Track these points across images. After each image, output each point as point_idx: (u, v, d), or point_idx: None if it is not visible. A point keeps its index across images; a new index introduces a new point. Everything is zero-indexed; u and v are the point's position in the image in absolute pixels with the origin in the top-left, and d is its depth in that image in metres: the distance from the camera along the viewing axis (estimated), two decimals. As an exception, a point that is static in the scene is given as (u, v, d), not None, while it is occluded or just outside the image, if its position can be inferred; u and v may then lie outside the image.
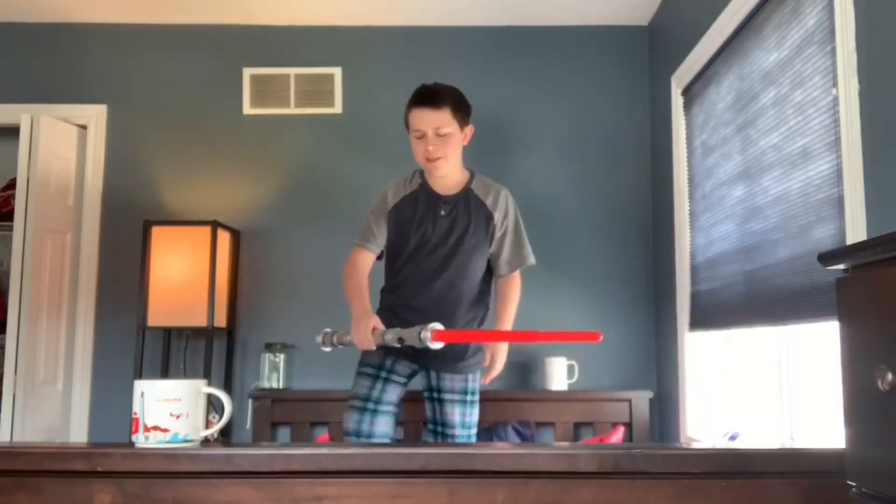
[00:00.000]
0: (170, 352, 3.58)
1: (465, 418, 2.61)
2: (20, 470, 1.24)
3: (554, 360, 3.48)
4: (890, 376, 0.94)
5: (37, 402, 3.44)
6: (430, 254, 2.55)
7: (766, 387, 2.63)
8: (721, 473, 1.25)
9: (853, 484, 1.06)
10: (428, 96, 2.48)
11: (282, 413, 3.48)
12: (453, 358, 2.57)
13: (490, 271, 2.63)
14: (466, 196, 2.57)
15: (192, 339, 3.60)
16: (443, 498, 1.23)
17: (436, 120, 2.46)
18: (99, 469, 1.23)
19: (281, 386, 3.52)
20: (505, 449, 1.26)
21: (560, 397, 3.47)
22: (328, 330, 2.61)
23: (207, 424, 1.40)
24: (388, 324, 2.47)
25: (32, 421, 3.39)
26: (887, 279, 0.97)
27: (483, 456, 1.25)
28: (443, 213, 2.55)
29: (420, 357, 2.57)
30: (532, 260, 2.64)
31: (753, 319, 2.49)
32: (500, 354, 2.67)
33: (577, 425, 3.56)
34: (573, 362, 3.56)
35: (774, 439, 2.50)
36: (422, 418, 3.48)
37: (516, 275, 2.65)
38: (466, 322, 2.58)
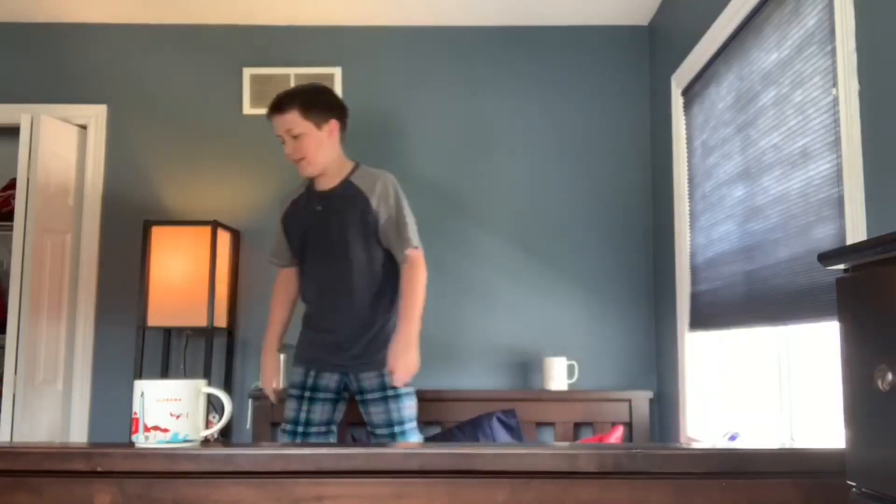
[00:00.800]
0: (170, 352, 3.58)
1: (390, 415, 2.55)
2: (20, 470, 1.24)
3: (554, 360, 3.49)
4: (890, 376, 0.94)
5: (37, 402, 3.44)
6: (315, 251, 2.61)
7: (766, 387, 2.63)
8: (721, 473, 1.25)
9: (853, 484, 1.06)
10: (273, 104, 2.57)
11: (282, 413, 3.47)
12: (362, 354, 2.55)
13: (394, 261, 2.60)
14: (344, 189, 2.58)
15: (192, 339, 3.61)
16: (443, 498, 1.23)
17: (284, 123, 2.54)
18: (99, 469, 1.23)
19: (281, 386, 3.52)
20: (505, 449, 1.27)
21: (560, 397, 3.47)
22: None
23: (207, 424, 1.40)
24: (304, 330, 2.64)
25: (32, 421, 3.39)
26: (887, 279, 0.97)
27: (483, 456, 1.25)
28: (319, 208, 2.60)
29: (336, 363, 2.56)
30: (414, 243, 2.56)
31: (753, 319, 2.49)
32: (399, 356, 2.51)
33: (577, 425, 3.56)
34: (573, 362, 3.56)
35: (774, 439, 2.50)
36: (424, 418, 3.49)
37: (413, 263, 2.56)
38: (370, 316, 2.55)
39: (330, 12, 3.69)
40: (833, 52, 1.93)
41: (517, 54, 3.80)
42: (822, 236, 1.99)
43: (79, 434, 3.58)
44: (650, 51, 3.78)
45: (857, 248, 1.03)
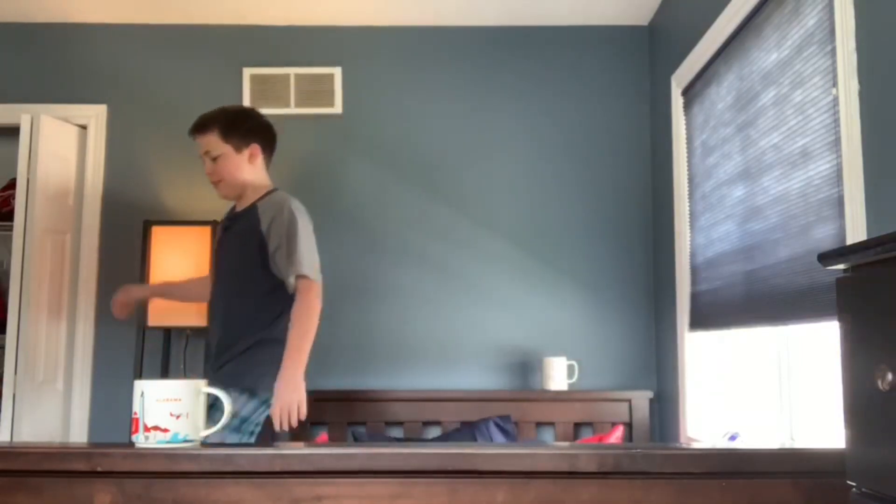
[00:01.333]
0: (170, 352, 3.58)
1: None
2: (20, 470, 1.24)
3: (554, 360, 3.49)
4: (890, 376, 0.94)
5: (37, 402, 3.44)
6: (214, 274, 2.64)
7: (766, 387, 2.63)
8: (721, 473, 1.25)
9: (853, 484, 1.06)
10: (195, 125, 2.57)
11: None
12: (219, 372, 2.41)
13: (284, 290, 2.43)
14: (247, 213, 2.52)
15: (192, 339, 3.60)
16: (443, 498, 1.23)
17: (204, 144, 2.54)
18: (99, 469, 1.23)
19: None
20: (505, 449, 1.27)
21: (560, 397, 3.47)
22: None
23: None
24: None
25: (32, 421, 3.39)
26: (887, 279, 0.97)
27: (483, 456, 1.25)
28: (225, 228, 2.61)
29: (210, 375, 2.45)
30: (302, 271, 2.37)
31: (753, 319, 2.49)
32: (278, 396, 2.30)
33: (577, 425, 3.56)
34: (573, 362, 3.56)
35: (774, 439, 2.50)
36: (423, 418, 3.49)
37: (300, 293, 2.38)
38: (249, 343, 2.40)
39: (330, 12, 3.69)
40: (833, 52, 1.93)
41: (517, 54, 3.80)
42: (822, 236, 1.99)
43: (79, 434, 3.58)
44: (650, 51, 3.78)
45: (857, 248, 1.03)
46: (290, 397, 2.29)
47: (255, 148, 2.56)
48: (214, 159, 2.52)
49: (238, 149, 2.53)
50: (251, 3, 3.60)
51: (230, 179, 2.53)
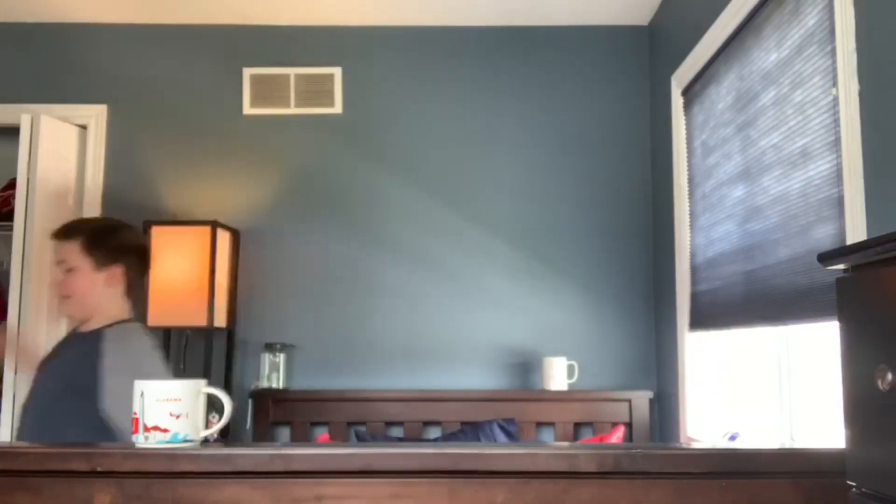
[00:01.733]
0: (170, 352, 3.58)
1: None
2: (20, 470, 1.24)
3: (554, 360, 3.49)
4: (890, 376, 0.94)
5: (37, 402, 3.43)
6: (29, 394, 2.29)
7: (765, 387, 2.63)
8: (721, 473, 1.25)
9: (853, 484, 1.06)
10: (59, 229, 2.23)
11: (282, 413, 3.49)
12: None
13: None
14: (88, 337, 2.16)
15: (192, 339, 3.61)
16: (443, 498, 1.23)
17: (61, 252, 2.19)
18: (99, 469, 1.23)
19: (281, 386, 3.53)
20: (505, 449, 1.26)
21: (560, 397, 3.47)
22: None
23: (208, 424, 1.40)
24: None
25: (32, 421, 3.39)
26: (887, 279, 0.97)
27: (483, 456, 1.25)
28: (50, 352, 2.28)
29: None
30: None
31: (753, 319, 2.49)
32: None
33: (577, 425, 3.56)
34: (573, 362, 3.56)
35: (774, 439, 2.50)
36: (424, 418, 3.49)
37: None
38: None
39: (330, 12, 3.69)
40: (833, 52, 1.93)
41: (517, 54, 3.80)
42: (822, 236, 1.99)
43: (79, 434, 3.57)
44: (650, 51, 3.78)
45: (857, 248, 1.03)
46: None
47: (117, 269, 2.21)
48: (69, 271, 2.18)
49: (99, 267, 2.19)
50: (251, 3, 3.60)
51: (79, 298, 2.19)
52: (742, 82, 2.60)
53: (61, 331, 3.61)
